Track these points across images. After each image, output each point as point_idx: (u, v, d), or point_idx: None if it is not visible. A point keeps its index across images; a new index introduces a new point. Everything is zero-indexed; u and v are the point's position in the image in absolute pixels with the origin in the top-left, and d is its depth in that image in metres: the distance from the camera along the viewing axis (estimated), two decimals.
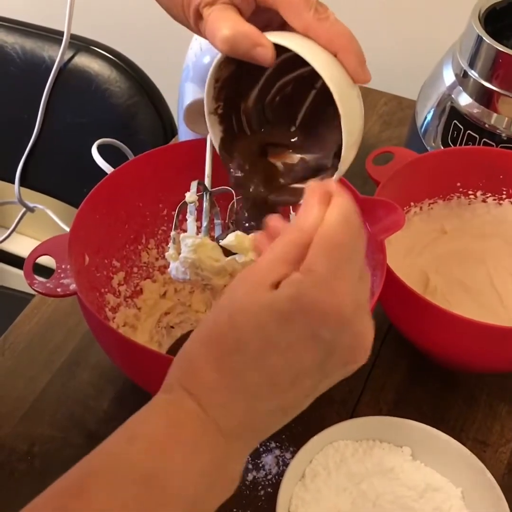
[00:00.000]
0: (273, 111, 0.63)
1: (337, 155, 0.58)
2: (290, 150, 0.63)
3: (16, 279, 1.56)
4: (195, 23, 0.57)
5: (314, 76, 0.55)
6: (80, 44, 1.07)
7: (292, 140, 0.63)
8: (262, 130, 0.63)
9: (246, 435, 0.45)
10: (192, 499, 0.43)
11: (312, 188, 0.45)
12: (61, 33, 1.04)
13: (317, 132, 0.62)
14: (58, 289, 0.62)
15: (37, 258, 0.65)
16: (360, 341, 0.45)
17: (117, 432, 0.44)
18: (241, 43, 0.54)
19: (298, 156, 0.63)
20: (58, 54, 1.05)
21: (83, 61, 1.06)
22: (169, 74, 0.93)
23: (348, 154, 0.57)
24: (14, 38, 1.09)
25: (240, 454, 0.46)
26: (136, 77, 1.05)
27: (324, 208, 0.43)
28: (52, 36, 1.08)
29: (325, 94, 0.56)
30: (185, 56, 0.79)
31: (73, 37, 1.05)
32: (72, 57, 1.07)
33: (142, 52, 1.11)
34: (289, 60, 0.58)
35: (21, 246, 1.54)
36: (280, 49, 0.55)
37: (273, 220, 0.48)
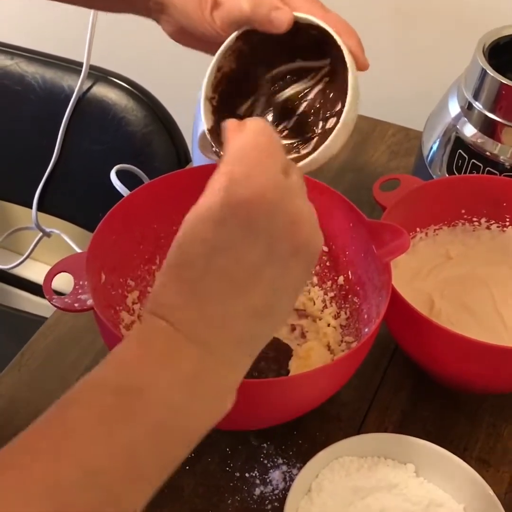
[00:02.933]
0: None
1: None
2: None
3: (29, 303, 1.59)
4: (211, 12, 0.60)
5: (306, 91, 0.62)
6: (98, 74, 1.11)
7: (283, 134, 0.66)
8: None
9: (227, 345, 0.47)
10: (173, 406, 0.44)
11: (226, 125, 0.51)
12: (80, 64, 1.08)
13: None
14: (76, 304, 0.65)
15: (56, 274, 0.68)
16: (297, 219, 0.47)
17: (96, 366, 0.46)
18: (262, 5, 0.58)
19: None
20: (77, 84, 1.09)
21: (101, 90, 1.10)
22: (184, 103, 0.97)
23: (348, 116, 0.59)
24: (35, 68, 1.13)
25: (228, 367, 0.47)
26: (152, 106, 1.09)
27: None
28: (71, 66, 1.12)
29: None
30: (200, 85, 0.82)
31: (91, 67, 1.09)
32: (91, 86, 1.10)
33: (158, 82, 1.15)
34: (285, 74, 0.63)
35: (34, 271, 1.57)
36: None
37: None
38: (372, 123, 1.12)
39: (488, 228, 0.84)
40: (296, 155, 0.63)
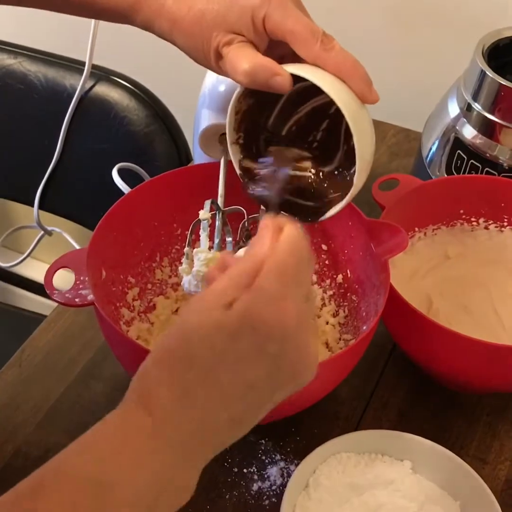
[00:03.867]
0: (290, 141, 0.66)
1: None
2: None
3: (30, 302, 1.59)
4: (216, 62, 0.62)
5: (326, 106, 0.60)
6: (101, 74, 1.12)
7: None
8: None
9: (199, 447, 0.47)
10: (143, 504, 0.45)
11: (264, 222, 0.49)
12: (82, 63, 1.09)
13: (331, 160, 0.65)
14: (77, 299, 0.65)
15: (57, 269, 0.68)
16: (303, 354, 0.48)
17: (70, 445, 0.46)
18: (260, 74, 0.58)
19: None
20: (79, 83, 1.09)
21: (103, 90, 1.11)
22: (185, 103, 0.97)
23: (360, 178, 0.61)
24: (37, 67, 1.14)
25: (194, 465, 0.48)
26: (154, 105, 1.09)
27: (275, 240, 0.48)
28: (74, 65, 1.13)
29: (338, 124, 0.60)
30: (200, 85, 0.83)
31: (94, 67, 1.10)
32: (93, 86, 1.11)
33: (160, 81, 1.15)
34: (302, 91, 0.62)
35: (35, 270, 1.58)
36: (294, 80, 0.59)
37: (224, 254, 0.53)
38: (373, 124, 1.13)
39: (486, 228, 0.85)
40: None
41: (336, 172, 0.65)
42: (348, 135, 0.60)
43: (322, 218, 0.65)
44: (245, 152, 0.66)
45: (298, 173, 0.65)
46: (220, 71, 0.63)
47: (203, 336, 0.46)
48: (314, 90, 0.58)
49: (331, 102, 0.58)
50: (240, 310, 0.46)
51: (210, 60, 0.62)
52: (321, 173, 0.65)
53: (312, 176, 0.65)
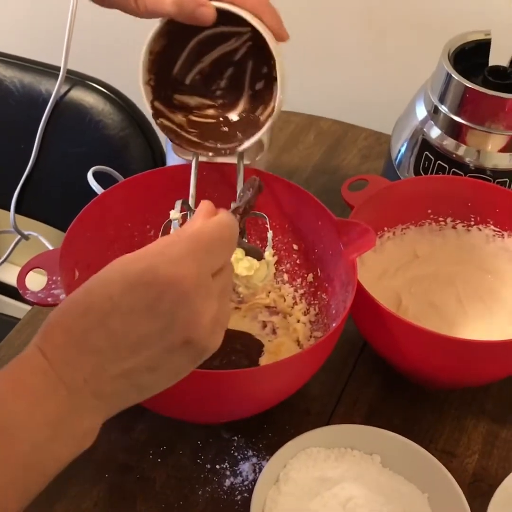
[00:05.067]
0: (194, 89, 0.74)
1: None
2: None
3: (6, 306, 1.59)
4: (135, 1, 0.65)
5: (231, 54, 0.71)
6: (76, 79, 1.12)
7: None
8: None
9: (93, 399, 0.48)
10: (36, 445, 0.46)
11: (201, 206, 0.53)
12: (57, 68, 1.09)
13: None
14: (49, 299, 0.67)
15: (29, 270, 0.69)
16: (197, 321, 0.48)
17: None
18: (187, 3, 0.64)
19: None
20: (55, 88, 1.10)
21: (79, 94, 1.12)
22: None
23: (282, 93, 0.69)
24: (13, 72, 1.14)
25: (91, 414, 0.48)
26: (128, 110, 1.10)
27: (205, 220, 0.51)
28: (49, 70, 1.13)
29: (243, 71, 0.72)
30: None
31: (69, 72, 1.10)
32: (68, 90, 1.12)
33: (134, 85, 1.16)
34: (207, 41, 0.70)
35: (12, 274, 1.57)
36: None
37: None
38: (345, 128, 1.15)
39: (454, 227, 0.87)
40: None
41: (240, 117, 0.74)
42: (255, 78, 0.71)
43: (240, 148, 0.73)
44: (156, 94, 0.72)
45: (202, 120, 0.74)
46: (137, 10, 0.66)
47: (103, 286, 0.48)
48: (220, 38, 0.68)
49: (237, 49, 0.70)
50: (142, 266, 0.47)
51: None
52: (227, 118, 0.74)
53: (218, 121, 0.74)
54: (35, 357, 0.47)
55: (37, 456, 0.46)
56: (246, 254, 0.67)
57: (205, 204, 0.54)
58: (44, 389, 0.47)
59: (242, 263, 0.65)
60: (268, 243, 0.70)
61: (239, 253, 0.66)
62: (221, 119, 0.74)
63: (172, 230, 0.70)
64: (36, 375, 0.47)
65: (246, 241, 0.71)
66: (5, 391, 0.46)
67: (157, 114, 0.73)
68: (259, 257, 0.67)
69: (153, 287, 0.47)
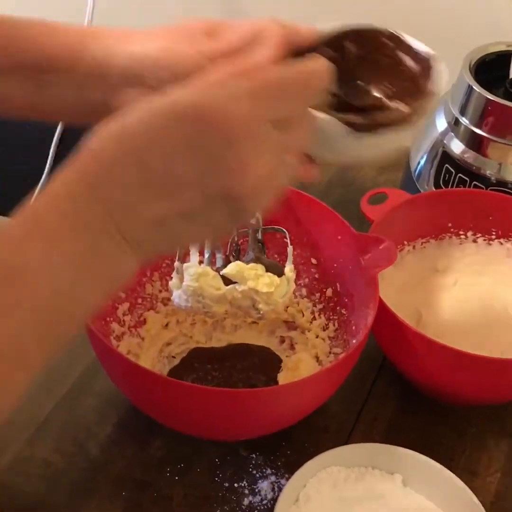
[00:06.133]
0: None
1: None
2: None
3: None
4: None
5: None
6: None
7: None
8: None
9: (124, 240, 0.43)
10: (58, 290, 0.42)
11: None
12: None
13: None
14: None
15: None
16: (242, 171, 0.42)
17: None
18: None
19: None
20: None
21: None
22: None
23: None
24: None
25: (119, 257, 0.44)
26: None
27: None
28: None
29: None
30: None
31: None
32: None
33: None
34: None
35: None
36: None
37: None
38: None
39: (474, 241, 0.86)
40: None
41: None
42: None
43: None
44: None
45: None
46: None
47: (147, 114, 0.42)
48: None
49: None
50: (194, 96, 0.42)
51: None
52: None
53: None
54: (56, 192, 0.42)
55: (59, 300, 0.42)
56: (267, 270, 0.66)
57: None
58: (66, 228, 0.42)
59: (262, 280, 0.65)
60: (288, 259, 0.70)
61: (259, 269, 0.65)
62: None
63: (191, 246, 0.69)
64: (54, 214, 0.42)
65: (265, 256, 0.70)
66: (22, 234, 0.42)
67: None
68: (280, 273, 0.66)
69: (202, 123, 0.41)
